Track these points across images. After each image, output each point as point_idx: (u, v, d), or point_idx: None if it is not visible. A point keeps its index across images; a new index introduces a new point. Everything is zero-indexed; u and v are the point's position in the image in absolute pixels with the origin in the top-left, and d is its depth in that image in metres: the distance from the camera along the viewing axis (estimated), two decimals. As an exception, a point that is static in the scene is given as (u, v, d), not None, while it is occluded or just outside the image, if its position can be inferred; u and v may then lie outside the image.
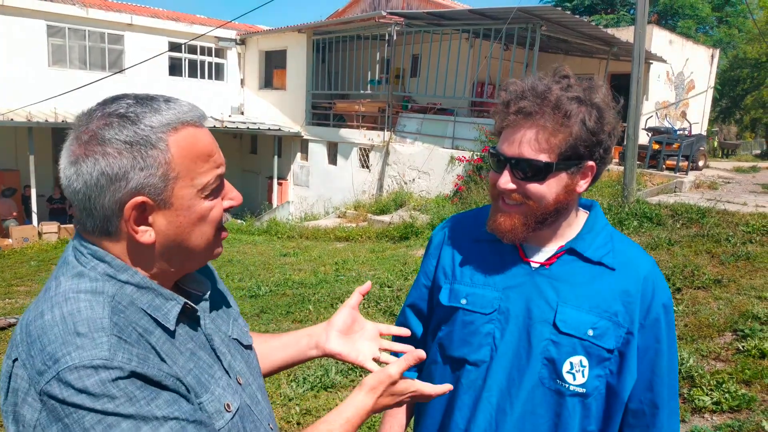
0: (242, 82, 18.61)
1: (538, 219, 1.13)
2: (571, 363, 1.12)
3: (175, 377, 0.77)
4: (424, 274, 1.36)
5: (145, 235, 0.81)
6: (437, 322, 1.29)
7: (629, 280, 1.14)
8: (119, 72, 15.14)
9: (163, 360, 0.78)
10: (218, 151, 0.87)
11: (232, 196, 0.90)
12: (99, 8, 15.59)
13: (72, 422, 0.69)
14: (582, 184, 1.13)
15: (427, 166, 12.42)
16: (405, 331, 1.16)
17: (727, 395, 3.26)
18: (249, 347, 1.03)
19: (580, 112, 1.06)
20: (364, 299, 5.71)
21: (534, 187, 1.10)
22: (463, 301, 1.21)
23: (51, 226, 12.82)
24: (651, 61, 14.12)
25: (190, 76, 17.54)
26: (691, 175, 10.95)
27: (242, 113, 18.27)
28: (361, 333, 1.14)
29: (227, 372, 0.92)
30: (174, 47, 16.52)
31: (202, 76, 17.85)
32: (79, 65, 15.49)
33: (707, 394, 3.31)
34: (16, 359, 0.75)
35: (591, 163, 1.11)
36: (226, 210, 0.90)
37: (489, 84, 13.30)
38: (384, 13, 13.65)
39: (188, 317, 0.89)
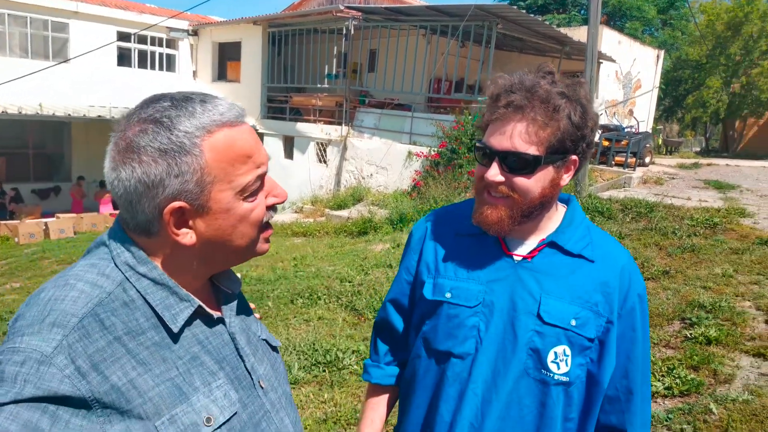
0: (195, 74, 18.17)
1: (524, 212, 1.14)
2: (555, 353, 1.14)
3: (99, 402, 0.73)
4: (405, 269, 1.35)
5: (186, 237, 0.82)
6: (420, 316, 1.29)
7: (608, 271, 1.18)
8: (64, 62, 14.50)
9: (137, 365, 0.77)
10: (259, 149, 0.86)
11: (276, 193, 0.90)
12: (41, -6, 14.88)
13: None
14: (565, 178, 1.16)
15: (385, 162, 12.45)
16: None
17: (677, 380, 3.41)
18: (276, 349, 1.03)
19: (567, 107, 1.09)
20: (325, 294, 5.64)
21: (521, 180, 1.11)
22: (448, 295, 1.22)
23: (-10, 222, 12.21)
24: (602, 61, 14.57)
25: (139, 66, 16.99)
26: (639, 171, 11.37)
27: (195, 106, 17.80)
28: None
29: (249, 373, 0.91)
30: (123, 37, 15.95)
31: (153, 68, 17.31)
32: (20, 53, 14.73)
33: (659, 380, 3.45)
34: None
35: (575, 157, 1.14)
36: (269, 207, 0.89)
37: (446, 80, 13.42)
38: (341, 7, 13.57)
39: (205, 317, 0.87)
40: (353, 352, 4.11)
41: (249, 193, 0.84)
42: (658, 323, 4.30)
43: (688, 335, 4.01)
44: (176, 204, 0.79)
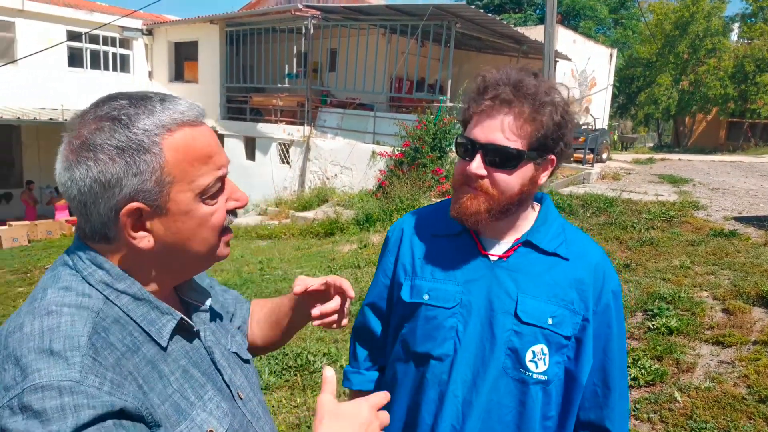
0: (150, 74, 17.72)
1: (502, 208, 1.14)
2: (533, 351, 1.15)
3: (144, 408, 0.72)
4: (382, 272, 1.35)
5: (144, 241, 0.78)
6: (399, 319, 1.28)
7: (582, 269, 1.19)
8: (11, 62, 13.91)
9: (140, 386, 0.74)
10: (220, 151, 0.83)
11: (237, 197, 0.87)
12: (-16, -8, 14.24)
13: None
14: (543, 177, 1.17)
15: (349, 162, 12.41)
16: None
17: (642, 371, 3.51)
18: (248, 361, 1.00)
19: (551, 105, 1.10)
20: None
21: (503, 176, 1.11)
22: (426, 297, 1.21)
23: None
24: (558, 60, 14.88)
25: (92, 67, 16.45)
26: (597, 167, 11.67)
27: (151, 107, 17.37)
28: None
29: (228, 386, 0.89)
30: (73, 36, 15.41)
31: (106, 68, 16.80)
32: (-38, 54, 14.11)
33: (625, 371, 3.55)
34: None
35: (553, 156, 1.15)
36: (230, 211, 0.86)
37: (407, 80, 13.48)
38: (300, 6, 13.46)
39: (185, 330, 0.85)
40: (324, 354, 4.08)
41: (209, 195, 0.81)
42: (621, 315, 4.41)
43: (651, 326, 4.13)
44: (134, 205, 0.75)
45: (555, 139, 1.12)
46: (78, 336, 0.71)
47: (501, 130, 1.09)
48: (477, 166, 1.11)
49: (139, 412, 0.71)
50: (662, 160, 15.17)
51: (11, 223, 12.13)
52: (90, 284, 0.78)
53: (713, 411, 3.04)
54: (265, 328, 1.16)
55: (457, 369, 1.16)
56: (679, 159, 15.40)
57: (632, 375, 3.50)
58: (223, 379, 0.89)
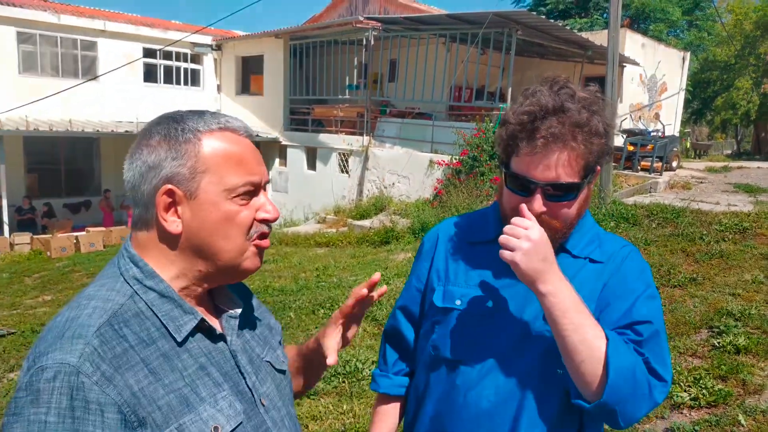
0: (219, 88, 18.47)
1: (564, 236, 1.17)
2: None
3: (127, 406, 0.77)
4: (416, 276, 1.36)
5: (173, 225, 0.86)
6: (430, 323, 1.29)
7: (612, 267, 1.19)
8: (93, 79, 14.90)
9: (149, 374, 0.80)
10: (255, 160, 0.92)
11: (267, 209, 0.93)
12: (71, 14, 15.34)
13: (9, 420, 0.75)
14: (591, 189, 1.19)
15: (407, 170, 12.45)
16: (375, 276, 1.11)
17: (704, 391, 3.32)
18: (282, 372, 1.05)
19: (597, 126, 1.10)
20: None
21: (564, 210, 1.14)
22: (458, 302, 1.22)
23: (23, 237, 12.56)
24: (624, 64, 14.36)
25: (165, 82, 17.35)
26: (666, 176, 11.14)
27: (219, 119, 18.09)
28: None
29: (251, 390, 0.93)
30: (149, 53, 16.34)
31: (178, 83, 17.67)
32: (51, 72, 15.20)
33: (685, 391, 3.36)
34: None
35: (599, 168, 1.17)
36: (260, 221, 0.92)
37: (466, 88, 13.39)
38: (361, 18, 13.68)
39: (208, 331, 0.91)
40: (373, 362, 4.10)
41: (237, 194, 0.88)
42: (684, 332, 4.19)
43: (716, 344, 3.90)
44: (168, 186, 0.85)
45: (601, 153, 1.13)
46: (89, 326, 0.79)
47: (560, 167, 1.09)
48: (539, 205, 1.12)
49: (120, 409, 0.76)
50: (739, 168, 14.28)
51: (89, 229, 12.94)
52: (124, 279, 0.86)
53: (781, 437, 2.83)
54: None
55: (489, 375, 1.16)
56: (758, 167, 14.44)
57: (693, 395, 3.32)
58: (246, 383, 0.92)
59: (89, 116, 15.18)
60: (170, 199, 0.86)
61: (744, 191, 9.92)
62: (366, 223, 10.71)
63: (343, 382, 3.88)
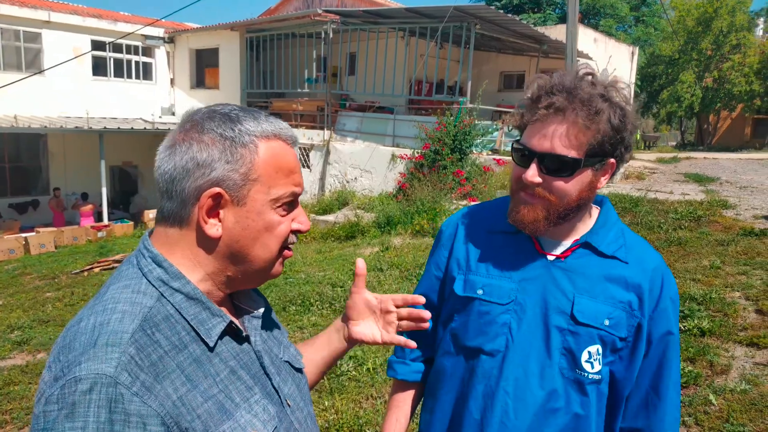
0: (172, 81, 17.97)
1: (560, 214, 1.14)
2: (589, 352, 1.14)
3: (169, 417, 0.73)
4: (435, 265, 1.35)
5: (213, 228, 0.83)
6: (450, 312, 1.28)
7: (641, 273, 1.18)
8: (38, 73, 14.21)
9: (186, 381, 0.77)
10: (300, 173, 0.91)
11: (302, 220, 0.92)
12: (12, 4, 14.56)
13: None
14: (602, 181, 1.16)
15: (369, 165, 12.43)
16: (420, 299, 1.12)
17: (675, 373, 3.44)
18: (300, 371, 1.02)
19: (608, 110, 1.08)
20: (318, 300, 5.58)
21: (559, 183, 1.11)
22: (480, 292, 1.22)
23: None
24: (579, 59, 14.72)
25: (116, 76, 16.76)
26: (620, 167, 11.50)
27: (173, 114, 17.62)
28: (376, 311, 1.13)
29: (277, 391, 0.91)
30: (98, 46, 15.71)
31: (129, 76, 17.08)
32: (-9, 65, 14.44)
33: (657, 374, 3.48)
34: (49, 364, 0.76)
35: (613, 160, 1.14)
36: (293, 232, 0.91)
37: (426, 82, 13.45)
38: (319, 11, 13.54)
39: (234, 334, 0.88)
40: (350, 357, 4.08)
41: (280, 204, 0.87)
42: (651, 317, 4.34)
43: (682, 327, 4.05)
44: (216, 189, 0.81)
45: (614, 143, 1.11)
46: (122, 332, 0.74)
47: (556, 138, 1.08)
48: (532, 174, 1.11)
49: (163, 421, 0.72)
50: (687, 158, 14.91)
51: (39, 229, 12.38)
52: (148, 280, 0.81)
53: (750, 414, 2.96)
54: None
55: (509, 365, 1.16)
56: (705, 157, 15.11)
57: (664, 377, 3.44)
58: (272, 384, 0.90)
59: (35, 112, 14.49)
60: (214, 202, 0.82)
61: (694, 181, 10.36)
62: (330, 218, 10.64)
63: (322, 378, 3.84)
